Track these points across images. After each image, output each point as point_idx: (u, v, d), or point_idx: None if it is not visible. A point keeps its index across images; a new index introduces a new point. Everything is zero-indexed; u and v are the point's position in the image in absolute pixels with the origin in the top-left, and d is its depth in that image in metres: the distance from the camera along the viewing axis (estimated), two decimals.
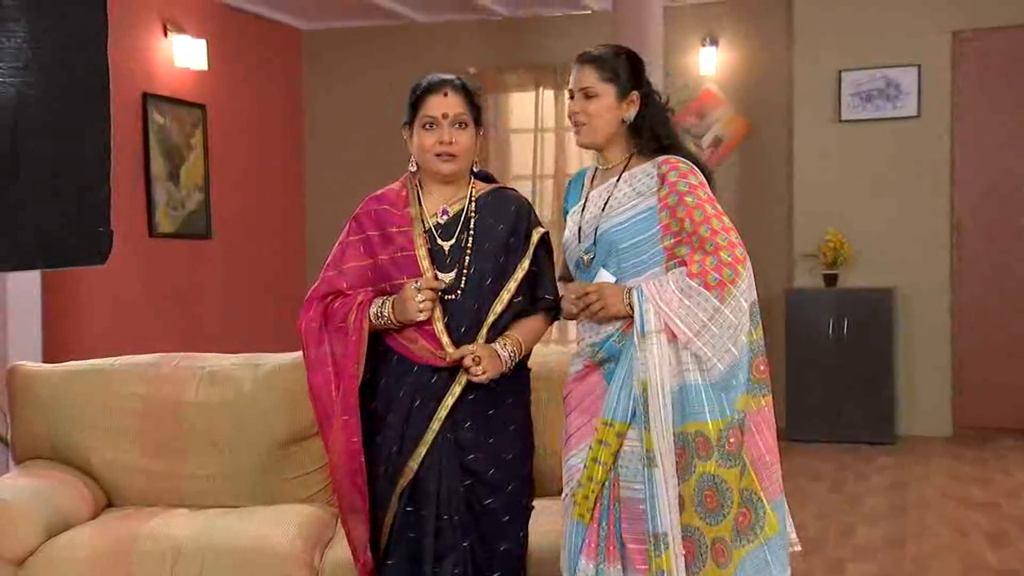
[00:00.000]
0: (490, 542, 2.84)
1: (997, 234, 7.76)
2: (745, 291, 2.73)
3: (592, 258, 2.85)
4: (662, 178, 2.83)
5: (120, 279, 7.00)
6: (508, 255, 2.86)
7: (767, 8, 8.24)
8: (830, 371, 7.65)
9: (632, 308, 2.72)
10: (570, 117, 2.94)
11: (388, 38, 8.89)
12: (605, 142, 2.93)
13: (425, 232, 2.86)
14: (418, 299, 2.74)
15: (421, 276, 2.80)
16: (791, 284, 7.98)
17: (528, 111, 8.65)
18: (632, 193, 2.85)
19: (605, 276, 2.81)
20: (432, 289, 2.76)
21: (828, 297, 7.75)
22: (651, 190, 2.83)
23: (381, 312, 2.79)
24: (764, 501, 2.75)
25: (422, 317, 2.75)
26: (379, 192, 2.95)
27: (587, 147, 2.96)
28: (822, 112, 7.98)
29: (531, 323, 2.91)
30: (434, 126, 2.85)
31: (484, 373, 2.76)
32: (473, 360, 2.75)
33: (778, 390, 7.87)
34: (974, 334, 7.78)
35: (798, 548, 2.85)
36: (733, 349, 2.70)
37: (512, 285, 2.85)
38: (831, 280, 7.79)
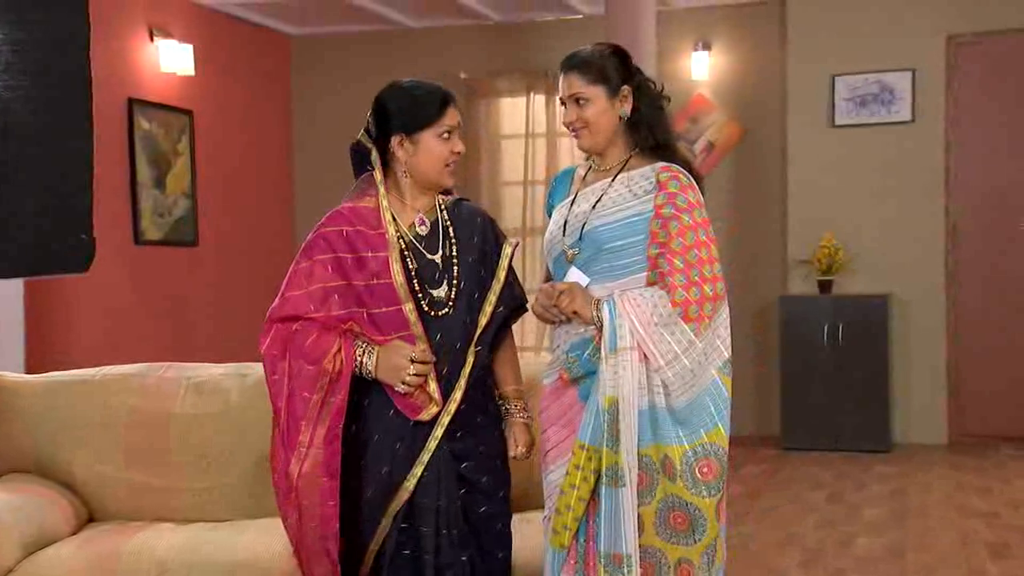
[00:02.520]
0: (489, 552, 2.78)
1: (993, 239, 7.72)
2: (716, 327, 2.72)
3: (576, 253, 2.81)
4: (661, 185, 2.78)
5: (105, 287, 6.91)
6: (484, 268, 2.83)
7: (760, 12, 8.19)
8: (826, 378, 7.60)
9: (602, 320, 2.69)
10: (567, 126, 2.89)
11: (378, 43, 8.82)
12: (606, 144, 2.88)
13: (406, 249, 2.76)
14: (410, 371, 2.65)
15: (400, 306, 2.69)
16: (785, 291, 7.93)
17: (519, 116, 8.59)
18: (628, 195, 2.81)
19: (577, 276, 2.79)
20: (424, 363, 2.67)
21: (823, 304, 7.69)
22: (647, 194, 2.79)
23: (363, 361, 2.68)
24: (722, 533, 2.76)
25: (402, 390, 2.67)
26: (347, 207, 2.80)
27: (589, 151, 2.92)
28: (816, 117, 7.94)
29: (508, 355, 2.92)
30: (451, 137, 2.79)
31: (529, 450, 2.86)
32: (526, 452, 2.86)
33: (773, 398, 7.87)
34: (970, 340, 7.73)
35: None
36: (697, 385, 2.69)
37: (493, 297, 2.82)
38: (826, 286, 7.73)
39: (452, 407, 2.72)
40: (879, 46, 7.82)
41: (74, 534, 3.51)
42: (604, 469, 2.66)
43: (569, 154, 8.42)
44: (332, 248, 2.74)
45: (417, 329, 2.70)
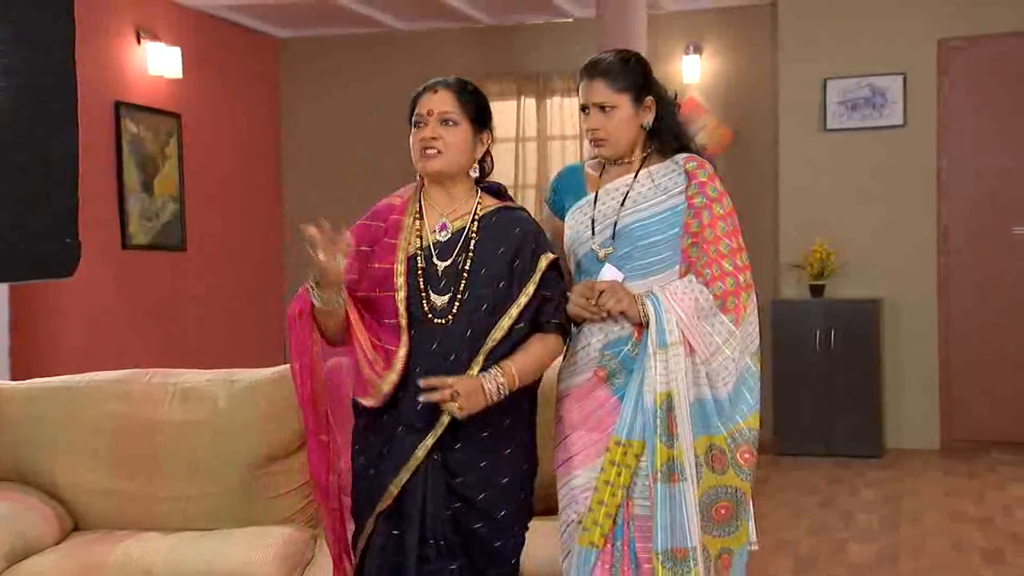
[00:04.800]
0: (480, 567, 2.70)
1: (984, 244, 7.70)
2: (748, 315, 2.76)
3: (609, 252, 2.79)
4: (690, 175, 2.81)
5: (92, 292, 6.85)
6: (512, 281, 2.70)
7: (751, 16, 8.17)
8: (818, 383, 7.57)
9: (648, 316, 2.68)
10: (588, 133, 2.86)
11: (368, 47, 8.76)
12: (627, 153, 2.87)
13: (421, 250, 2.74)
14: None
15: (395, 292, 2.69)
16: (777, 295, 7.90)
17: (510, 120, 8.53)
18: (656, 189, 2.81)
19: (613, 273, 2.76)
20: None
21: (815, 308, 7.66)
22: (678, 187, 2.81)
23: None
24: (751, 512, 2.79)
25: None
26: (386, 202, 2.83)
27: (610, 159, 2.89)
28: (807, 121, 7.92)
29: (535, 348, 2.70)
30: (421, 124, 2.77)
31: (461, 410, 2.56)
32: (450, 395, 2.56)
33: (765, 403, 7.82)
34: (962, 345, 7.71)
35: (756, 548, 2.82)
36: (735, 374, 2.74)
37: (514, 311, 2.68)
38: (818, 291, 7.71)
39: (446, 419, 2.63)
40: (870, 50, 7.80)
41: (58, 543, 3.46)
42: (659, 466, 2.64)
43: (560, 158, 8.39)
44: (357, 240, 2.74)
45: (403, 320, 2.67)
